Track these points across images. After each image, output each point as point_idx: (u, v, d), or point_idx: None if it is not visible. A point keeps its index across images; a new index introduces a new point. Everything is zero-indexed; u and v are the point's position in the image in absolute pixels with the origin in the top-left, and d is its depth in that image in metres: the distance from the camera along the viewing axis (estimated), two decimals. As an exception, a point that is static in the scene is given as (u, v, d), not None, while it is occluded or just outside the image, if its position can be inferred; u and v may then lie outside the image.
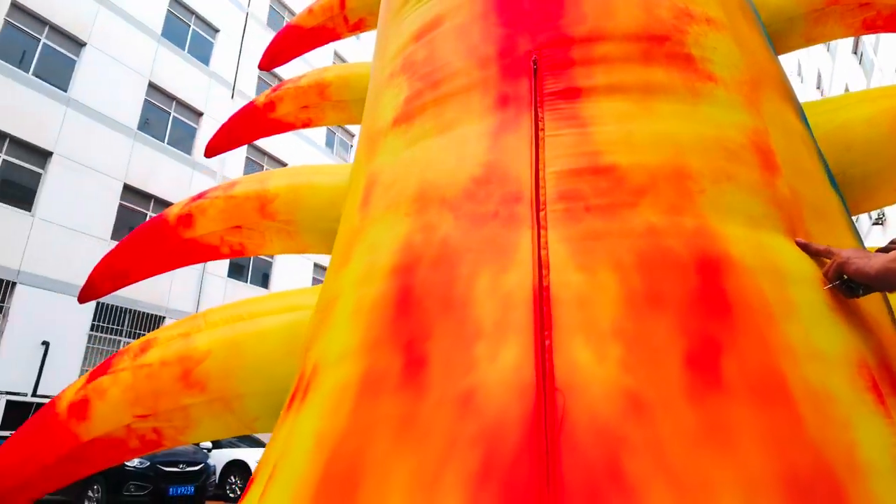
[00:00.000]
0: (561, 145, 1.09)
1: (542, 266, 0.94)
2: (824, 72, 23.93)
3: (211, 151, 2.60)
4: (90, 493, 8.46)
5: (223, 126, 2.53)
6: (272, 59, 2.61)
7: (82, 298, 2.21)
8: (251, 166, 19.08)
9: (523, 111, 1.18)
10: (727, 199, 1.03)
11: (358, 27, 2.51)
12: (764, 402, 0.80)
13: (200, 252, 2.12)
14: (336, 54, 22.08)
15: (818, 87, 25.62)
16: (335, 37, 2.55)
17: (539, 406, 0.79)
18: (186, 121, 17.47)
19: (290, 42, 2.58)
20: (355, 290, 1.17)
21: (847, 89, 20.26)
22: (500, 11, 1.37)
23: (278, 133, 2.50)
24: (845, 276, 0.96)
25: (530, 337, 0.87)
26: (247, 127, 2.47)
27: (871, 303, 1.08)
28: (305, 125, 2.45)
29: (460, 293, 0.98)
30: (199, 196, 2.13)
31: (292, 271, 19.26)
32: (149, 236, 2.12)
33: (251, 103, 2.48)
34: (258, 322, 1.77)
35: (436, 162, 1.22)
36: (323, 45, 2.61)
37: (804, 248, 1.03)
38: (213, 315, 1.86)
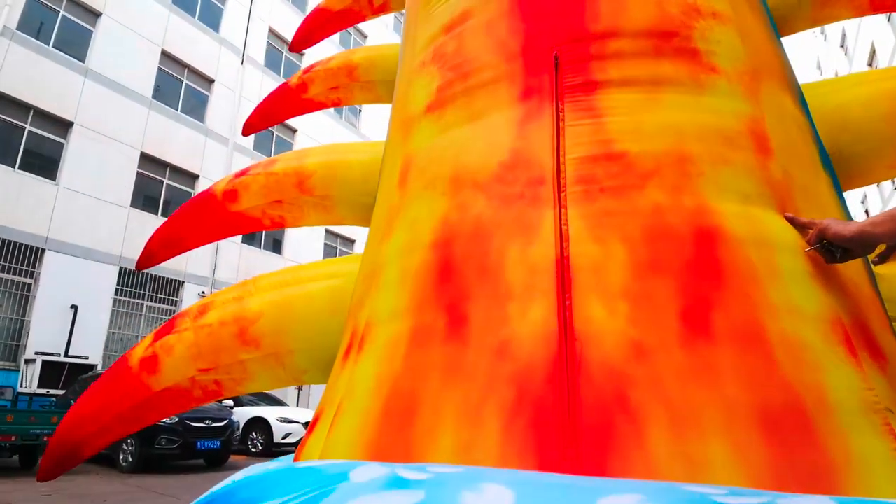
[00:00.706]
0: (579, 134, 1.25)
1: (563, 239, 1.12)
2: (849, 31, 23.35)
3: (248, 130, 2.77)
4: (124, 447, 8.95)
5: (259, 106, 2.70)
6: (302, 41, 2.75)
7: (140, 265, 2.43)
8: (262, 132, 19.21)
9: (545, 102, 1.34)
10: (723, 180, 1.20)
11: (382, 9, 2.63)
12: (745, 348, 0.98)
13: (245, 224, 2.32)
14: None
15: (842, 46, 25.14)
16: (360, 18, 2.68)
17: (561, 352, 0.99)
18: (198, 88, 17.55)
19: (318, 24, 2.71)
20: (400, 259, 1.36)
21: (873, 48, 19.94)
22: (524, 8, 1.51)
23: (310, 112, 2.66)
24: (825, 241, 1.13)
25: (553, 297, 1.06)
26: (281, 107, 2.64)
27: (851, 269, 1.25)
28: (335, 104, 2.61)
29: (493, 262, 1.17)
30: (242, 173, 2.32)
31: (303, 238, 19.57)
32: (199, 210, 2.32)
33: (285, 84, 2.65)
34: (303, 287, 1.98)
35: (468, 148, 1.39)
36: (349, 26, 2.74)
37: (791, 221, 1.19)
38: (261, 281, 2.07)
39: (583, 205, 1.16)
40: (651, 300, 1.03)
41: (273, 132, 19.92)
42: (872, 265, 1.47)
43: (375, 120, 23.17)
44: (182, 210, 2.37)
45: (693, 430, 0.90)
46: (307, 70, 2.59)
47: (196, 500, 1.01)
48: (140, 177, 15.33)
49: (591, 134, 1.25)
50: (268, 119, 2.69)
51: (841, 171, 1.72)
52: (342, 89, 2.50)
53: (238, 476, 1.01)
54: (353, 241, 22.31)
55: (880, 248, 1.48)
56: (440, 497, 0.66)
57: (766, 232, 1.16)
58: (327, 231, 21.02)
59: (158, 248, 2.37)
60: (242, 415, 11.88)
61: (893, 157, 1.79)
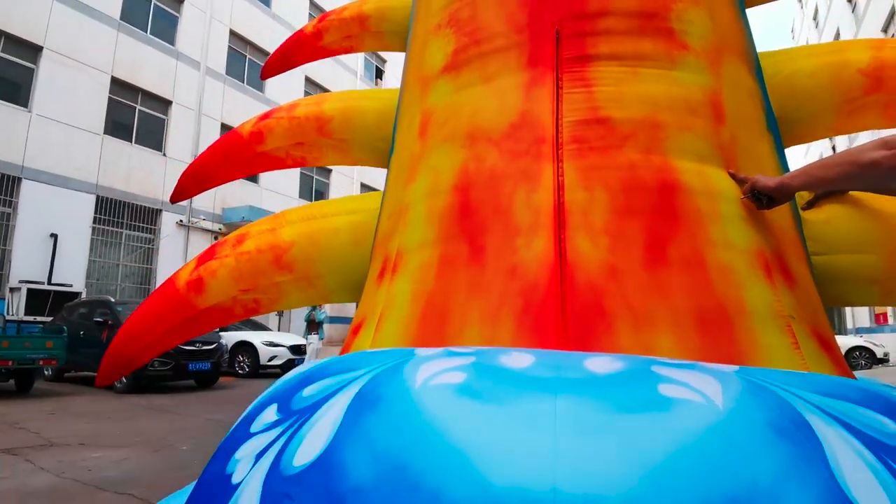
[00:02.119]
0: (574, 101, 1.56)
1: (559, 187, 1.45)
2: (821, 8, 24.40)
3: (266, 74, 2.97)
4: (119, 370, 9.34)
5: (277, 51, 2.88)
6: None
7: (174, 199, 2.69)
8: (233, 55, 18.71)
9: (548, 71, 1.63)
10: (685, 144, 1.53)
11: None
12: (690, 271, 1.35)
13: (269, 163, 2.58)
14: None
15: (814, 19, 26.26)
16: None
17: (556, 273, 1.34)
18: (167, 9, 16.84)
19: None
20: (426, 200, 1.68)
21: (838, 32, 20.89)
22: (531, -16, 1.77)
23: (324, 58, 2.86)
24: (755, 191, 1.49)
25: (551, 233, 1.40)
26: (297, 53, 2.83)
27: (778, 214, 1.61)
28: (347, 51, 2.82)
29: (505, 205, 1.50)
30: (266, 116, 2.56)
31: (277, 172, 19.48)
32: (227, 149, 2.57)
33: (300, 31, 2.83)
34: (329, 220, 2.29)
35: (483, 107, 1.68)
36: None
37: (732, 177, 1.54)
38: (290, 215, 2.37)
39: (576, 160, 1.49)
40: (624, 235, 1.38)
41: (246, 56, 19.37)
42: (801, 211, 1.85)
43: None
44: (211, 149, 2.62)
45: (648, 327, 1.27)
46: (321, 19, 2.78)
47: (280, 380, 1.35)
48: (112, 103, 14.97)
49: (583, 101, 1.56)
50: (285, 64, 2.89)
51: (786, 131, 2.06)
52: (354, 38, 2.71)
53: (305, 366, 1.36)
54: (329, 171, 22.28)
55: (808, 197, 1.86)
56: (485, 357, 1.02)
57: (714, 185, 1.51)
58: (302, 173, 20.99)
59: (190, 184, 2.63)
60: (229, 339, 12.33)
61: (831, 121, 2.13)
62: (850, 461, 0.76)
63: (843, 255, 1.85)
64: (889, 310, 19.19)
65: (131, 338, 2.40)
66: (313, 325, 10.16)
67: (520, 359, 1.02)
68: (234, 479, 0.97)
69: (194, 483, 1.21)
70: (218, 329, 12.26)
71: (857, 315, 22.18)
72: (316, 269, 2.22)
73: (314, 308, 10.04)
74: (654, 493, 0.68)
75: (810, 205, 1.88)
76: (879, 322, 19.92)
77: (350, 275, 2.17)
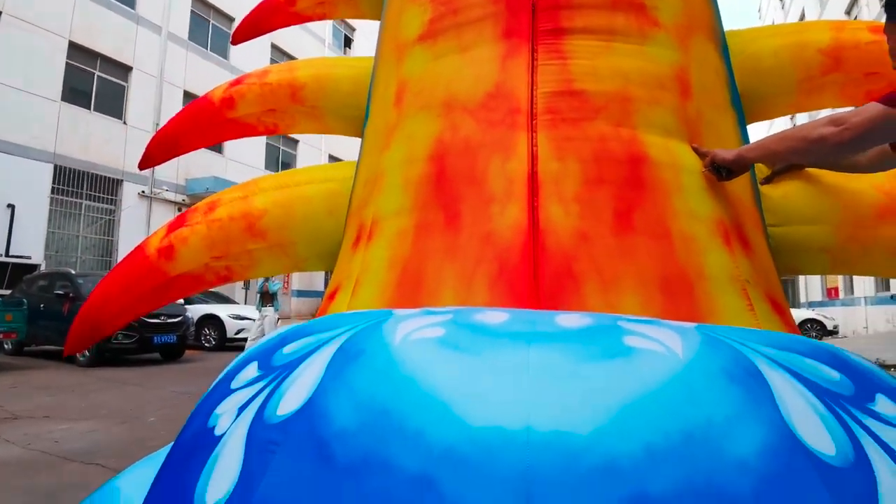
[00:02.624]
0: (548, 73, 1.60)
1: (533, 157, 1.50)
2: None
3: (236, 39, 2.90)
4: (81, 343, 9.15)
5: (248, 16, 2.82)
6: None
7: (142, 165, 2.64)
8: (196, 20, 18.12)
9: (523, 43, 1.66)
10: (653, 118, 1.59)
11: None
12: (654, 239, 1.42)
13: (240, 130, 2.56)
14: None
15: (781, 0, 27.14)
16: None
17: (529, 239, 1.39)
18: (128, -30, 16.12)
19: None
20: (401, 169, 1.70)
21: (803, 13, 21.52)
22: (507, -45, 1.78)
23: (297, 24, 2.82)
24: (715, 164, 1.56)
25: (525, 201, 1.45)
26: (270, 18, 2.77)
27: (737, 186, 1.69)
28: (320, 18, 2.78)
29: (480, 173, 1.53)
30: (237, 82, 2.52)
31: (242, 142, 19.04)
32: (197, 115, 2.53)
33: (273, -2, 2.78)
34: (302, 188, 2.29)
35: (459, 76, 1.71)
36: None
37: (695, 150, 1.61)
38: (263, 182, 2.36)
39: (549, 131, 1.53)
40: (594, 204, 1.44)
41: (209, 21, 18.75)
42: (760, 185, 1.94)
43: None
44: (180, 115, 2.57)
45: (615, 290, 1.34)
46: (294, -13, 2.74)
47: (266, 339, 1.37)
48: (70, 68, 14.35)
49: (557, 73, 1.60)
50: (256, 30, 2.83)
51: (748, 108, 2.14)
52: (328, 4, 2.68)
53: (267, 338, 1.38)
54: (296, 142, 21.91)
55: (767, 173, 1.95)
56: (462, 315, 1.07)
57: (678, 158, 1.57)
58: (268, 144, 20.59)
59: (157, 151, 2.59)
60: (195, 312, 12.18)
61: (791, 99, 2.22)
62: (796, 403, 0.83)
63: (798, 226, 1.96)
64: (840, 284, 20.09)
65: (101, 305, 2.38)
66: (267, 297, 10.01)
67: (495, 316, 1.07)
68: (217, 431, 1.01)
69: (164, 448, 1.23)
70: (183, 302, 12.15)
71: (810, 289, 23.14)
72: (289, 236, 2.23)
73: (267, 279, 9.88)
74: (620, 430, 0.74)
75: (768, 180, 1.98)
76: (830, 296, 20.85)
77: (323, 243, 2.19)
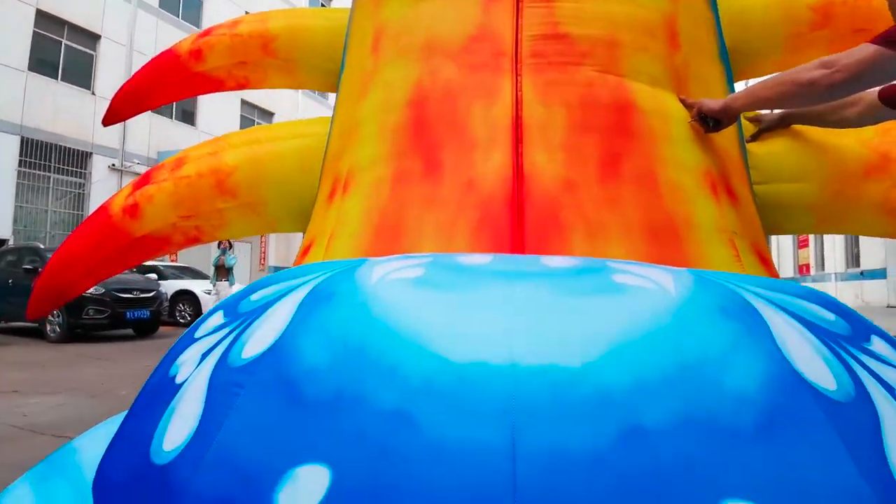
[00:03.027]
0: (534, 16, 1.52)
1: (518, 102, 1.42)
2: None
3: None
4: (51, 318, 8.93)
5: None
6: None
7: (106, 122, 2.49)
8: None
9: (508, -16, 1.57)
10: (640, 65, 1.52)
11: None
12: (642, 187, 1.37)
13: (209, 84, 2.42)
14: None
15: None
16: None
17: (514, 187, 1.33)
18: (94, -68, 15.43)
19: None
20: (378, 116, 1.62)
21: None
22: None
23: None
24: (702, 114, 1.50)
25: (509, 147, 1.38)
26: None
27: (724, 139, 1.64)
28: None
29: (462, 119, 1.46)
30: (207, 33, 2.39)
31: (218, 108, 18.58)
32: (162, 68, 2.39)
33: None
34: (275, 144, 2.19)
35: (440, 19, 1.62)
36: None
37: (683, 102, 1.55)
38: (233, 138, 2.25)
39: (534, 75, 1.46)
40: (580, 151, 1.38)
41: (182, -9, 18.12)
42: (746, 143, 1.90)
43: None
44: (146, 68, 2.42)
45: (601, 238, 1.29)
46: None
47: (241, 290, 1.28)
48: (37, 37, 13.75)
49: (543, 16, 1.52)
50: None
51: (735, 64, 2.09)
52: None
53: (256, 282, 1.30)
54: (272, 114, 21.44)
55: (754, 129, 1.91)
56: (443, 257, 1.00)
57: (666, 106, 1.51)
58: (244, 103, 20.07)
59: (121, 106, 2.45)
60: (168, 287, 11.95)
61: (778, 56, 2.17)
62: (794, 339, 0.79)
63: (784, 184, 1.93)
64: (811, 261, 20.52)
65: (65, 266, 2.26)
66: (223, 271, 9.60)
67: (478, 258, 1.01)
68: (178, 380, 0.94)
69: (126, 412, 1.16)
70: (156, 277, 11.91)
71: (783, 266, 23.61)
72: (260, 195, 2.13)
73: (223, 251, 9.47)
74: (612, 363, 0.69)
75: (754, 138, 1.95)
76: (802, 272, 21.29)
77: (296, 202, 2.10)
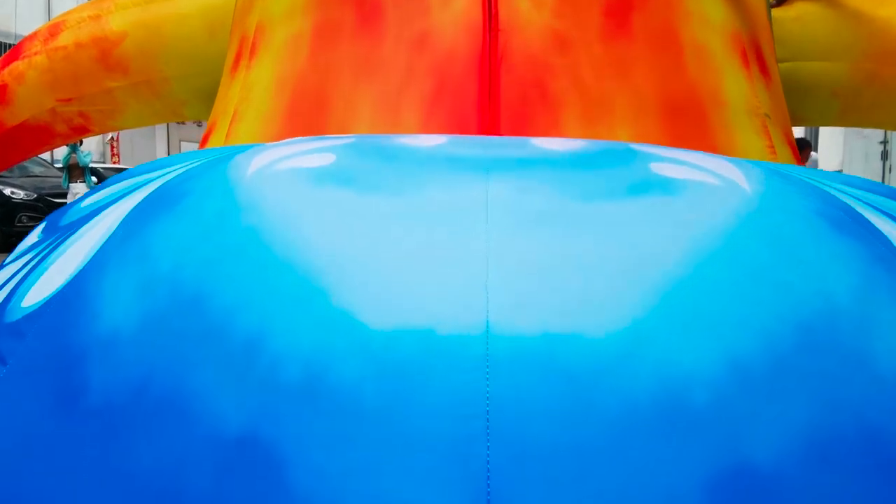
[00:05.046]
0: None
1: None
2: None
3: None
4: (-20, 226, 8.29)
5: None
6: None
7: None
8: None
9: None
10: None
11: None
12: (659, 48, 1.00)
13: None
14: None
15: None
16: None
17: (484, 43, 0.94)
18: None
19: None
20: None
21: None
22: None
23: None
24: None
25: (477, -14, 0.97)
26: None
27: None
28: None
29: (410, -53, 1.03)
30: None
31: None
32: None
33: None
34: (174, 4, 1.69)
35: None
36: None
37: None
38: (121, -5, 1.74)
39: None
40: (577, -5, 0.99)
41: None
42: (772, 7, 1.54)
43: None
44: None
45: (604, 117, 0.93)
46: None
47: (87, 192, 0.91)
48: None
49: None
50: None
51: None
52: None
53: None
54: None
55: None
56: (366, 142, 0.63)
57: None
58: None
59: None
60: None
61: None
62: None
63: (809, 62, 1.62)
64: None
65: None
66: (76, 171, 8.22)
67: (427, 139, 0.64)
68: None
69: None
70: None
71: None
72: (158, 69, 1.67)
73: (74, 148, 7.97)
74: (672, 325, 0.35)
75: (780, 2, 1.61)
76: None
77: (205, 78, 1.63)
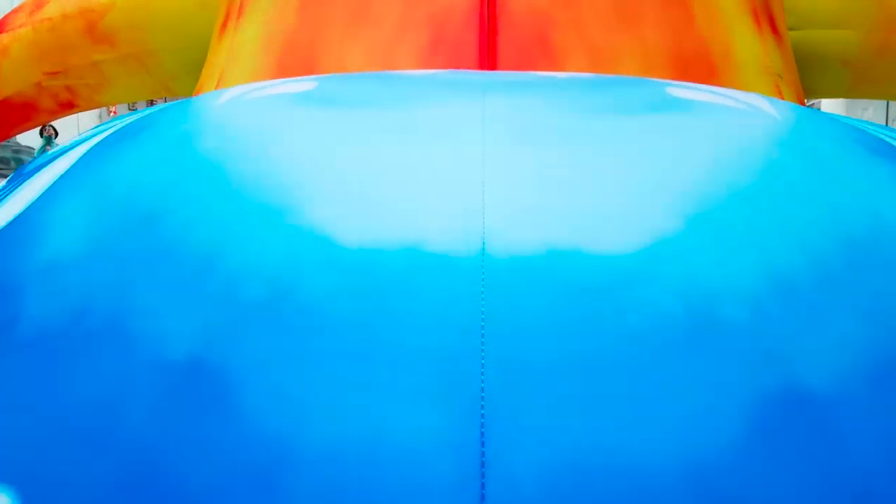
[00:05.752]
0: None
1: None
2: None
3: None
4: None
5: None
6: None
7: None
8: None
9: None
10: None
11: None
12: (668, 1, 0.95)
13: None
14: None
15: None
16: None
17: (482, -8, 0.89)
18: None
19: None
20: None
21: None
22: None
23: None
24: None
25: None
26: None
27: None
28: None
29: None
30: None
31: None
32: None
33: None
34: (163, -27, 1.63)
35: None
36: None
37: None
38: (108, -35, 1.68)
39: None
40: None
41: None
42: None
43: None
44: None
45: (610, 71, 0.88)
46: None
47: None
48: None
49: None
50: None
51: None
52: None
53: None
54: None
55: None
56: (357, 74, 0.58)
57: None
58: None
59: None
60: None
61: None
62: None
63: (819, 30, 1.56)
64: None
65: None
66: None
67: (416, 72, 0.59)
68: None
69: None
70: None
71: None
72: (146, 42, 1.61)
73: (48, 140, 8.00)
74: (703, 238, 0.30)
75: None
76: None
77: (196, 51, 1.56)
